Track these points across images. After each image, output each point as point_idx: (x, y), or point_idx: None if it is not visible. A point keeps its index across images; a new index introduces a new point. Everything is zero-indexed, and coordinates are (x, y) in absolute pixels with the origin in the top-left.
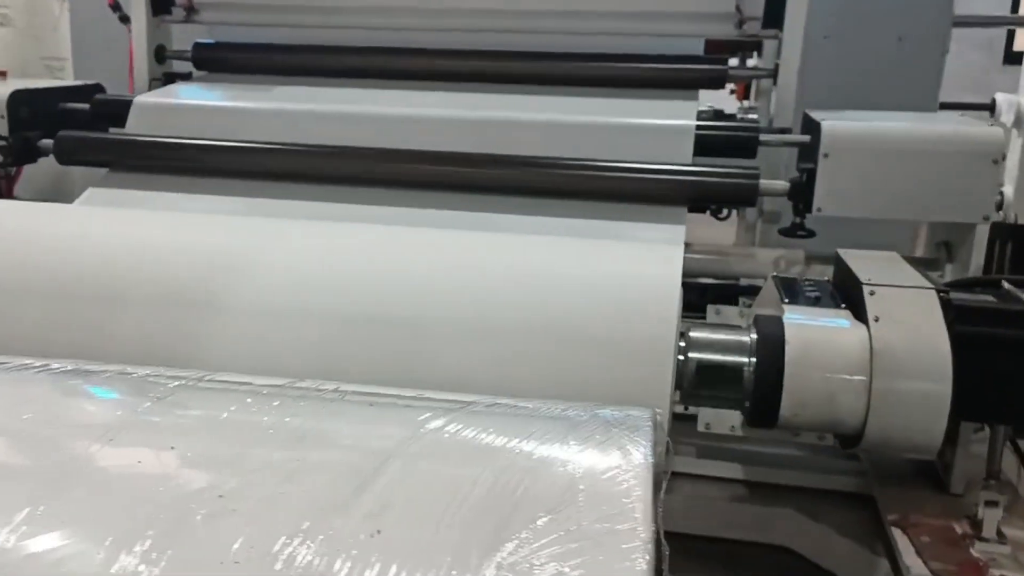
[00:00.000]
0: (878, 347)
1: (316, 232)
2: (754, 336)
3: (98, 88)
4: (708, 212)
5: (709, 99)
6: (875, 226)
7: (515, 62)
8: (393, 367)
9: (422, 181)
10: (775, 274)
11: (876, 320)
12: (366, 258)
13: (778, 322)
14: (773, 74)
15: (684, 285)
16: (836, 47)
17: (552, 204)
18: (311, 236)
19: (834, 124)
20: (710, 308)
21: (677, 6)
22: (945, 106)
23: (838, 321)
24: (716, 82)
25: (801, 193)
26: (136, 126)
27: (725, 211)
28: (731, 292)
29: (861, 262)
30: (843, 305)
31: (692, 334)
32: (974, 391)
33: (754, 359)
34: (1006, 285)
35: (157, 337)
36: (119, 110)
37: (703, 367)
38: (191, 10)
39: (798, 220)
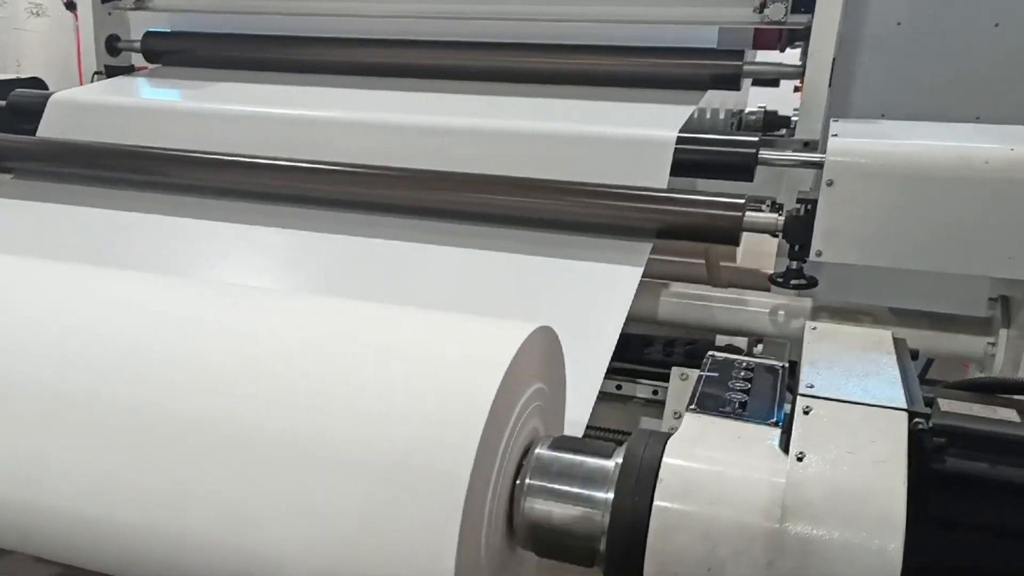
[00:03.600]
0: (791, 502)
1: (63, 280)
2: (619, 462)
3: (33, 83)
4: None
5: (767, 97)
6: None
7: (495, 54)
8: (106, 469)
9: (339, 201)
10: (713, 352)
11: (799, 458)
12: (110, 320)
13: (660, 444)
14: (801, 72)
15: (642, 338)
16: (912, 35)
17: (489, 232)
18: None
19: (844, 141)
20: (675, 371)
21: None
22: None
23: (752, 450)
24: (726, 80)
25: (798, 231)
26: (52, 127)
27: None
28: (707, 347)
29: (822, 350)
30: (778, 419)
31: (539, 451)
32: (956, 561)
33: (611, 496)
34: None
35: None
36: (37, 108)
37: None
38: None
39: (794, 266)
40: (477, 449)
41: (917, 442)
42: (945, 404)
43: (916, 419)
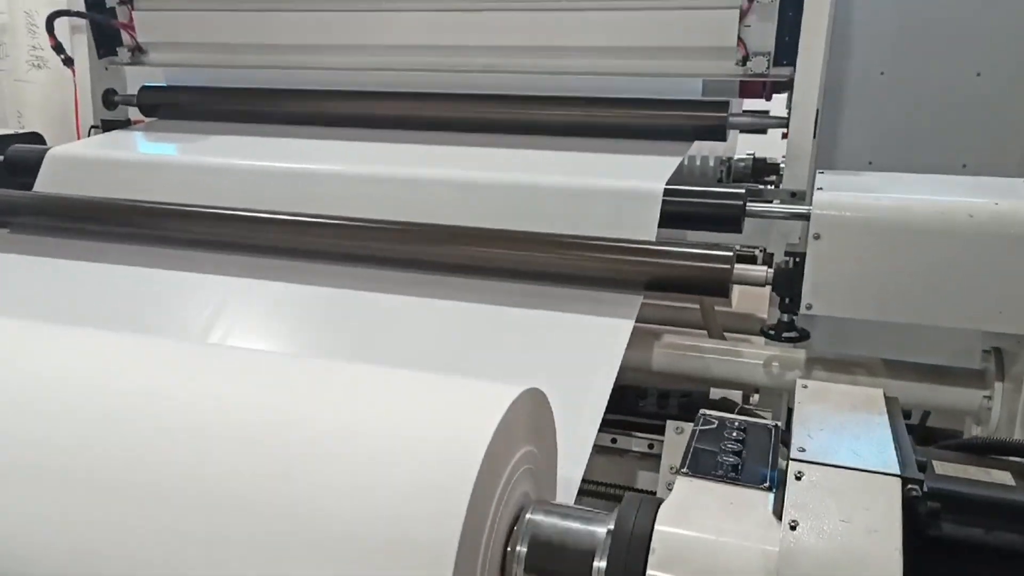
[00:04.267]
0: (785, 573)
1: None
2: (611, 528)
3: (31, 138)
4: None
5: (756, 142)
6: None
7: (482, 106)
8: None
9: (329, 253)
10: (705, 411)
11: (792, 526)
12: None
13: (652, 511)
14: (785, 122)
15: (635, 390)
16: (895, 84)
17: (476, 285)
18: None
19: (829, 195)
20: (670, 424)
21: (664, 40)
22: None
23: (745, 516)
24: (711, 132)
25: (788, 284)
26: (49, 181)
27: None
28: (702, 400)
29: (813, 410)
30: (771, 481)
31: (530, 517)
32: None
33: (603, 565)
34: None
35: None
36: (34, 163)
37: (532, 568)
38: (138, 51)
39: (785, 318)
40: (464, 519)
41: (911, 508)
42: (939, 466)
43: (910, 485)
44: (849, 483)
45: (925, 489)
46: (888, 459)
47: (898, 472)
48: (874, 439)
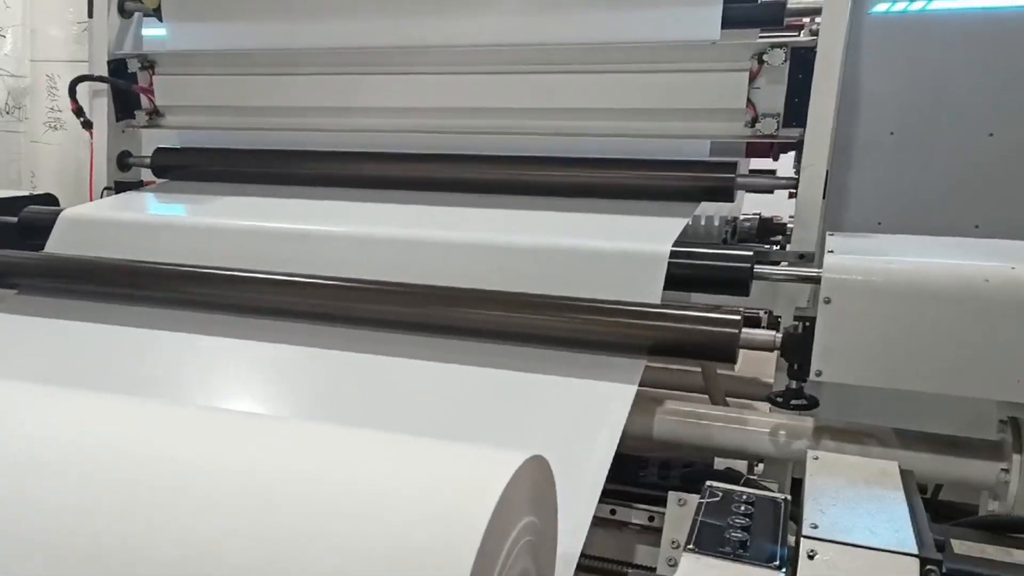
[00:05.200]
0: None
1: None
2: None
3: (45, 199)
4: None
5: (762, 200)
6: None
7: (489, 167)
8: None
9: (337, 316)
10: (711, 483)
11: None
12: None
13: None
14: (794, 183)
15: (636, 460)
16: (905, 144)
17: (478, 348)
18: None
19: (840, 258)
20: (672, 496)
21: (673, 102)
22: None
23: None
24: (719, 193)
25: (797, 350)
26: (61, 243)
27: None
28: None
29: (825, 484)
30: (781, 558)
31: None
32: None
33: None
34: None
35: None
36: (47, 224)
37: None
38: (155, 114)
39: (794, 385)
40: None
41: None
42: (958, 546)
43: (928, 566)
44: (864, 563)
45: (944, 571)
46: (905, 538)
47: (916, 552)
48: (890, 516)
